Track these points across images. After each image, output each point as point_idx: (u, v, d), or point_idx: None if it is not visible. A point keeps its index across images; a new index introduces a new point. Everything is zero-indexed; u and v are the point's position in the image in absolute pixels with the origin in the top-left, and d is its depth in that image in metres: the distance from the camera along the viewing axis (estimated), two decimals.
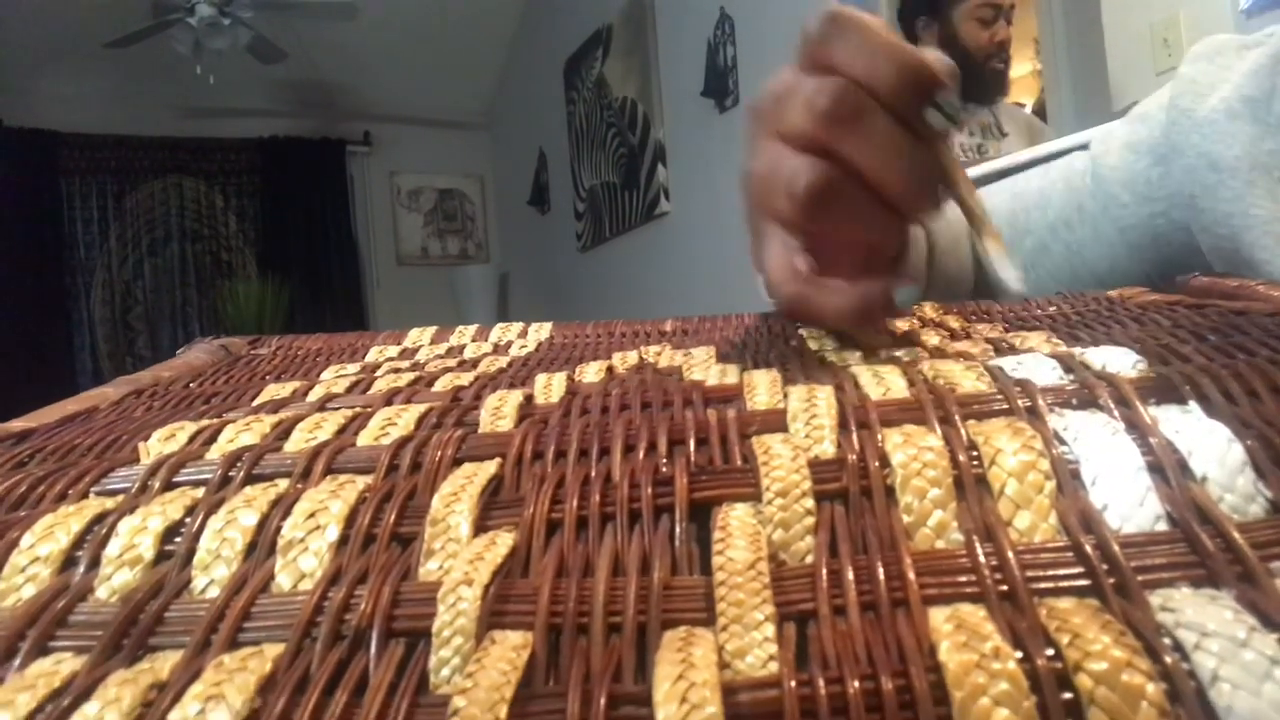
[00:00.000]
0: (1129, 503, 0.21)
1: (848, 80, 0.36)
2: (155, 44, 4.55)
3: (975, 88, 2.36)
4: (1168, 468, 0.21)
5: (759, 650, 0.18)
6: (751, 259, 0.44)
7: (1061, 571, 0.19)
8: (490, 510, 0.23)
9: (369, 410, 0.31)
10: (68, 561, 0.23)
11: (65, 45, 5.04)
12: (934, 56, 0.37)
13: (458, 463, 0.26)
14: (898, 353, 0.36)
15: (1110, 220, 0.64)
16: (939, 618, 0.18)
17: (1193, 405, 0.24)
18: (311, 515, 0.23)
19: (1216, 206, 0.57)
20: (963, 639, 0.17)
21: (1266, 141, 0.55)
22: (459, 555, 0.21)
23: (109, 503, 0.25)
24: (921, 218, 0.40)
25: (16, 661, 0.20)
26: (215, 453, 0.28)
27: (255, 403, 0.36)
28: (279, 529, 0.23)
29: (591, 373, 0.37)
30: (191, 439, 0.29)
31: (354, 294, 6.37)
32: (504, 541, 0.22)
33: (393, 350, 0.51)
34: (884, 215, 0.38)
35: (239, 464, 0.26)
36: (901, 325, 0.44)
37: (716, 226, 3.54)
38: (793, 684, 0.17)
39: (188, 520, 0.24)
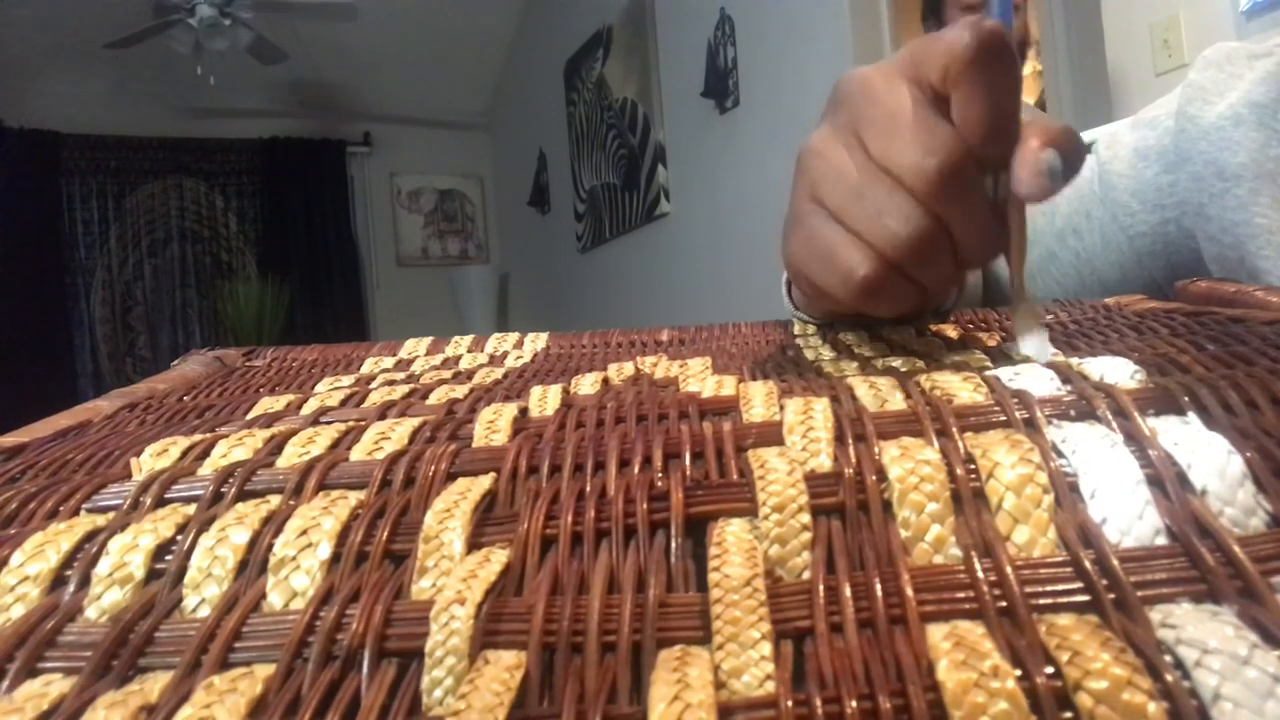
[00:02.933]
0: (1128, 516, 0.20)
1: (965, 150, 0.35)
2: (155, 44, 4.55)
3: None
4: (1167, 480, 0.21)
5: (755, 669, 0.18)
6: (784, 244, 0.43)
7: (1060, 587, 0.19)
8: (484, 526, 0.23)
9: (363, 424, 0.31)
10: (57, 580, 0.23)
11: (65, 45, 5.04)
12: (1043, 133, 0.35)
13: (451, 478, 0.25)
14: (894, 363, 0.36)
15: (1120, 228, 0.64)
16: (937, 635, 0.18)
17: (1192, 417, 0.24)
18: (304, 533, 0.23)
19: (1223, 215, 0.56)
20: (961, 657, 0.17)
21: (1273, 148, 0.55)
22: (452, 573, 0.21)
23: (100, 520, 0.25)
24: (977, 267, 0.40)
25: (5, 683, 0.20)
26: (208, 468, 0.28)
27: (249, 416, 0.36)
28: (271, 547, 0.23)
29: (587, 384, 0.37)
30: (184, 454, 0.29)
31: (354, 295, 6.37)
32: (498, 559, 0.22)
33: (388, 361, 0.51)
34: (951, 266, 0.38)
35: (231, 480, 0.26)
36: (949, 332, 0.44)
37: (716, 227, 3.54)
38: (789, 704, 0.17)
39: (179, 538, 0.23)
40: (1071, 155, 0.35)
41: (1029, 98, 3.09)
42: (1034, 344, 0.36)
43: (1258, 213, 0.54)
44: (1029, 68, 3.06)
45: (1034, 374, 0.28)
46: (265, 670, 0.19)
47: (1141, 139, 0.64)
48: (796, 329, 0.50)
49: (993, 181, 0.38)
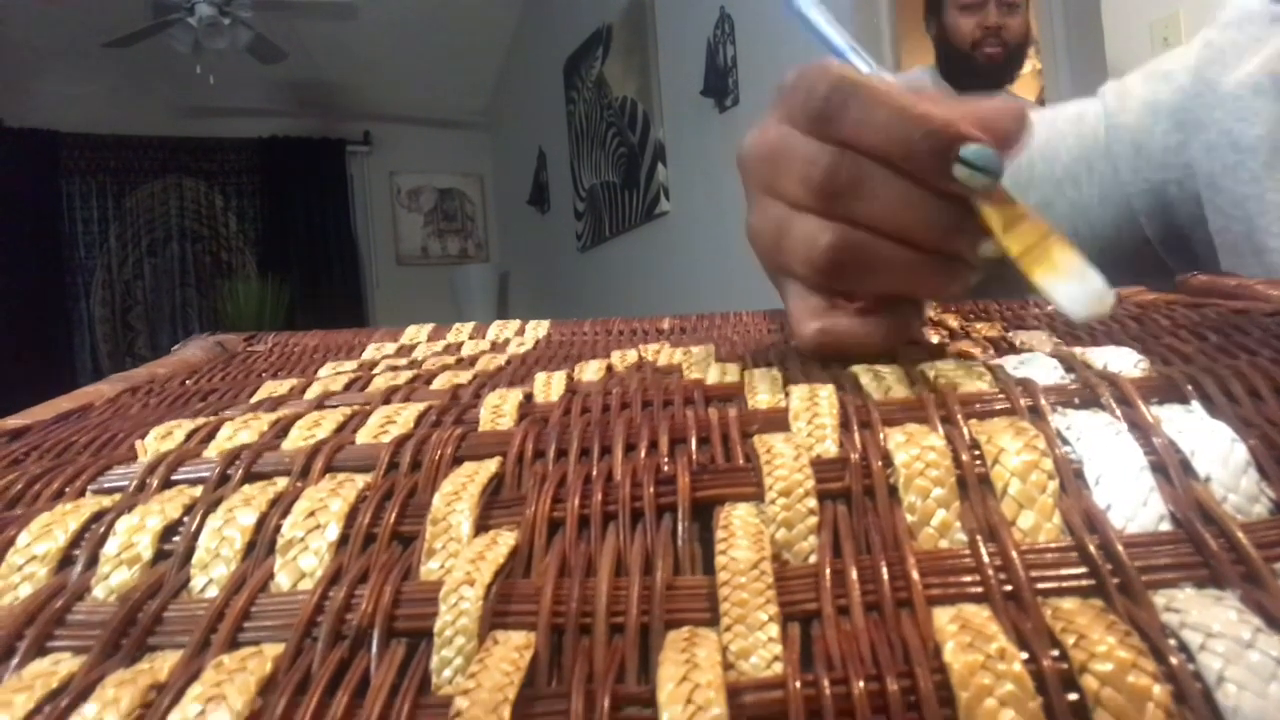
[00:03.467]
0: (1132, 503, 0.20)
1: (838, 148, 0.33)
2: (155, 44, 4.55)
3: (966, 77, 2.32)
4: (1171, 468, 0.21)
5: (763, 651, 0.18)
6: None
7: (1066, 572, 0.19)
8: (491, 509, 0.23)
9: (368, 408, 0.31)
10: (65, 560, 0.23)
11: (65, 45, 5.04)
12: (982, 109, 0.33)
13: (458, 461, 0.26)
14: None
15: (1120, 183, 0.63)
16: (943, 618, 0.18)
17: (1195, 405, 0.24)
18: (311, 514, 0.23)
19: (1235, 188, 0.55)
20: (968, 639, 0.17)
21: None
22: (460, 555, 0.21)
23: (106, 501, 0.25)
24: (966, 263, 0.35)
25: (14, 661, 0.20)
26: (213, 451, 0.28)
27: (253, 400, 0.36)
28: (278, 528, 0.23)
29: (591, 371, 0.37)
30: (189, 437, 0.29)
31: (354, 294, 6.37)
32: (505, 541, 0.22)
33: (390, 348, 0.51)
34: (929, 264, 0.34)
35: (237, 462, 0.26)
36: (951, 322, 0.43)
37: (716, 226, 3.53)
38: (797, 684, 0.17)
39: (186, 519, 0.24)
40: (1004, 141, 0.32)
41: (1029, 97, 3.09)
42: (1073, 291, 0.30)
43: (1271, 188, 0.53)
44: (1029, 66, 3.05)
45: (1038, 363, 0.29)
46: (274, 650, 0.19)
47: (1153, 92, 0.62)
48: None
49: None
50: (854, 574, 0.20)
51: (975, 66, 2.32)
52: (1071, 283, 0.30)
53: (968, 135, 0.31)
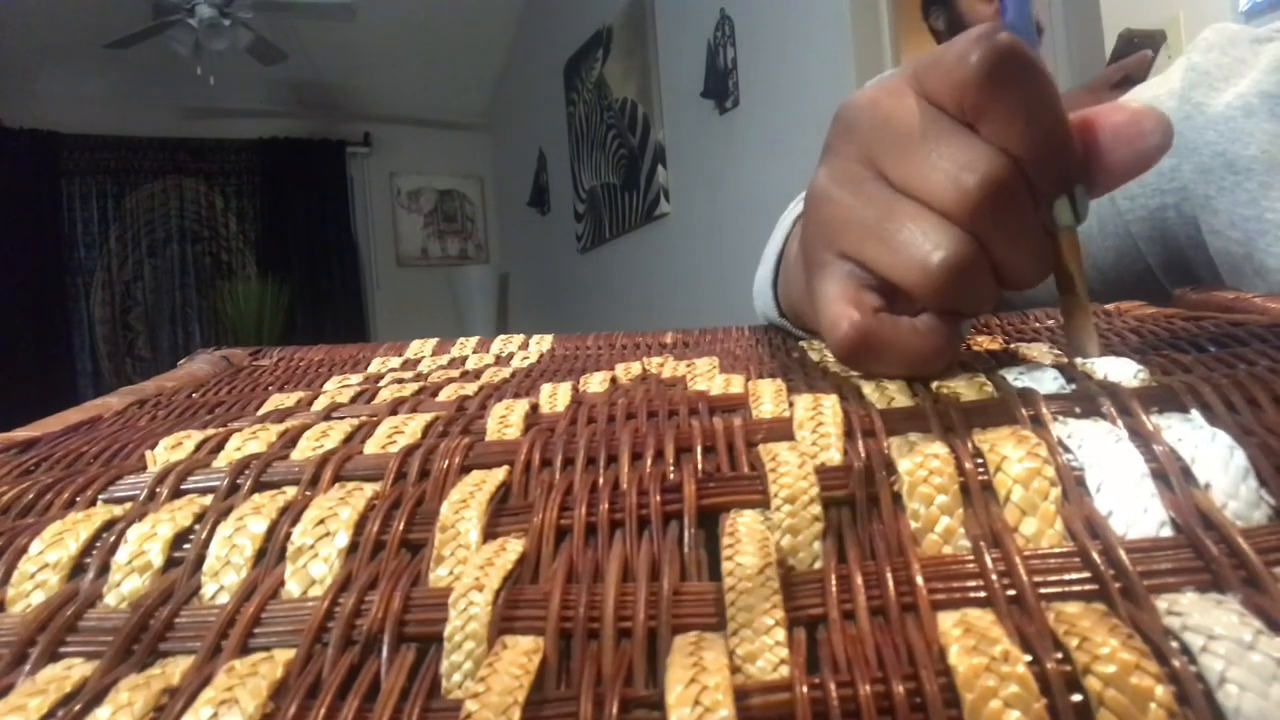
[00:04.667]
0: (1134, 509, 0.21)
1: (1010, 160, 0.30)
2: (155, 45, 4.55)
3: None
4: (1171, 475, 0.21)
5: (770, 654, 0.18)
6: (782, 290, 0.40)
7: (1068, 576, 0.19)
8: (499, 517, 0.23)
9: (375, 419, 0.31)
10: (77, 568, 0.23)
11: (65, 45, 5.04)
12: (1111, 134, 0.31)
13: (466, 470, 0.26)
14: None
15: (1117, 212, 0.62)
16: (948, 622, 0.18)
17: (1195, 413, 0.24)
18: (321, 522, 0.23)
19: (1232, 209, 0.55)
20: (972, 643, 0.17)
21: None
22: (469, 561, 0.21)
23: (117, 510, 0.25)
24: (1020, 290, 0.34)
25: (27, 667, 0.20)
26: (223, 460, 0.28)
27: (260, 412, 0.36)
28: (288, 535, 0.23)
29: (596, 383, 0.37)
30: (198, 447, 0.30)
31: (354, 295, 6.37)
32: (513, 548, 0.22)
33: (395, 361, 0.51)
34: (990, 293, 0.32)
35: (247, 471, 0.27)
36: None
37: (716, 228, 3.54)
38: (804, 688, 0.17)
39: (197, 527, 0.24)
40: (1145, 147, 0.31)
41: None
42: (1091, 349, 0.32)
43: (1268, 208, 0.53)
44: None
45: (1039, 373, 0.29)
46: (285, 655, 0.20)
47: None
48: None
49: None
50: (859, 579, 0.20)
51: None
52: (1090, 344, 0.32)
53: (1086, 169, 0.31)
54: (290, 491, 0.26)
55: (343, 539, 0.23)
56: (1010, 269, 0.31)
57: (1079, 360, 0.31)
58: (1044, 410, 0.25)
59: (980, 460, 0.23)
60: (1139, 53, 1.96)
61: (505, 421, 0.30)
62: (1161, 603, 0.18)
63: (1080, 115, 0.31)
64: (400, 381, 0.42)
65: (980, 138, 0.30)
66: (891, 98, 0.32)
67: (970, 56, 0.29)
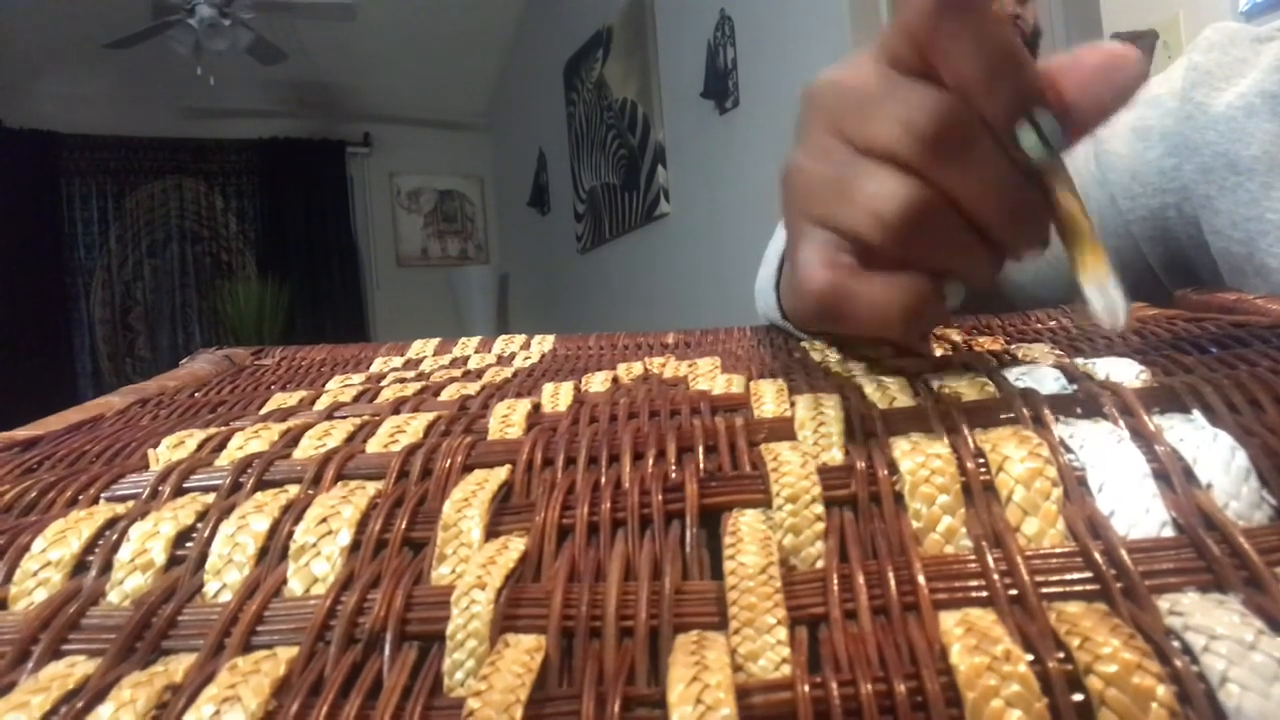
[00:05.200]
0: (1135, 509, 0.21)
1: (956, 97, 0.30)
2: (155, 45, 4.55)
3: None
4: (1173, 475, 0.22)
5: (771, 653, 0.18)
6: (784, 287, 0.39)
7: (1070, 576, 0.19)
8: (501, 516, 0.23)
9: (377, 418, 0.31)
10: (79, 566, 0.23)
11: (65, 45, 5.04)
12: (1079, 72, 0.30)
13: (468, 469, 0.26)
14: (902, 364, 0.35)
15: (1118, 211, 0.62)
16: (949, 621, 0.18)
17: (1196, 414, 0.24)
18: (323, 520, 0.23)
19: (1234, 209, 0.54)
20: (974, 642, 0.17)
21: None
22: (471, 560, 0.22)
23: (120, 508, 0.25)
24: (1023, 255, 0.34)
25: (30, 665, 0.20)
26: (225, 459, 0.28)
27: (262, 411, 0.36)
28: (291, 534, 0.23)
29: (597, 383, 0.37)
30: (201, 446, 0.30)
31: (354, 295, 6.37)
32: (516, 546, 0.22)
33: (397, 361, 0.51)
34: (980, 248, 0.32)
35: (249, 470, 0.27)
36: (954, 336, 0.41)
37: (716, 228, 3.54)
38: (806, 687, 0.17)
39: (199, 525, 0.24)
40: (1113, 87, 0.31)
41: None
42: (1107, 303, 0.30)
43: (1270, 208, 0.53)
44: None
45: (1041, 374, 0.29)
46: (288, 653, 0.20)
47: (1140, 118, 0.62)
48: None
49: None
50: (860, 578, 0.20)
51: None
52: (1103, 292, 0.31)
53: (1048, 100, 0.30)
54: (293, 490, 0.26)
55: (345, 537, 0.23)
56: (984, 217, 0.31)
57: (1080, 362, 0.31)
58: (1046, 410, 0.25)
59: (982, 460, 0.23)
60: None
61: (507, 421, 0.30)
62: (1163, 603, 0.18)
63: (1056, 59, 0.31)
64: (402, 381, 0.42)
65: (929, 84, 0.31)
66: (851, 69, 0.33)
67: (911, 8, 0.30)
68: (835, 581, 0.20)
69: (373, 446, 0.28)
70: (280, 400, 0.38)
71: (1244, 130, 0.54)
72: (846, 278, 0.32)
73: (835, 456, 0.24)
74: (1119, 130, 0.62)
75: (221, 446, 0.29)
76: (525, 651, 0.19)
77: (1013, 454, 0.23)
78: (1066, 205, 0.32)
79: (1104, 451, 0.22)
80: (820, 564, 0.21)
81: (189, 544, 0.23)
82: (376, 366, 0.50)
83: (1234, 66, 0.57)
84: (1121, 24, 2.42)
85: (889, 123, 0.31)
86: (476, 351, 0.54)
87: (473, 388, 0.38)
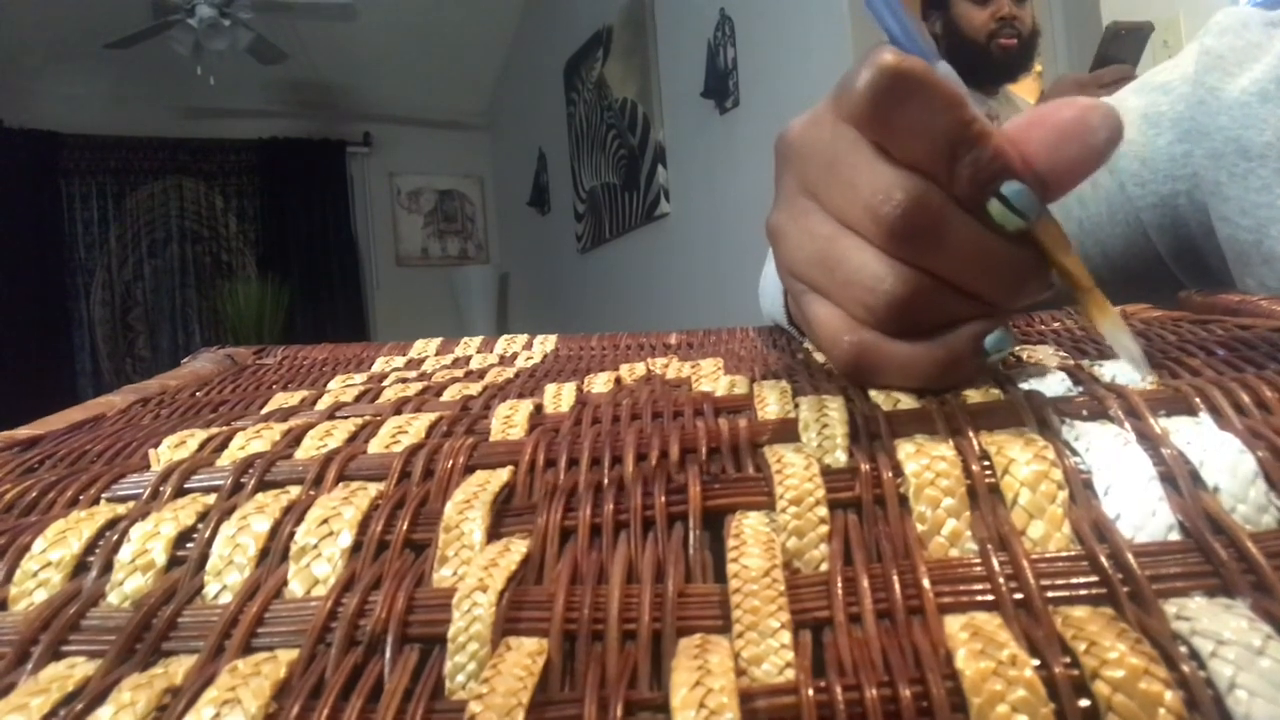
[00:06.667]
0: (1141, 512, 0.21)
1: (923, 182, 0.29)
2: (155, 45, 4.55)
3: (980, 73, 2.27)
4: (1179, 478, 0.21)
5: (775, 657, 0.18)
6: (791, 314, 0.38)
7: (1076, 580, 0.19)
8: (503, 517, 0.23)
9: (379, 419, 0.31)
10: (79, 567, 0.23)
11: (65, 45, 5.04)
12: (1044, 134, 0.29)
13: (470, 470, 0.26)
14: None
15: (1127, 198, 0.62)
16: (955, 625, 0.18)
17: (1203, 416, 0.24)
18: (324, 521, 0.23)
19: (1244, 196, 0.54)
20: (979, 646, 0.17)
21: None
22: (473, 562, 0.21)
23: (120, 509, 0.25)
24: (1027, 305, 0.32)
25: (29, 666, 0.20)
26: (226, 460, 0.28)
27: (264, 411, 0.36)
28: (292, 535, 0.23)
29: (600, 383, 0.37)
30: (202, 446, 0.30)
31: (354, 295, 6.37)
32: (518, 548, 0.22)
33: (399, 361, 0.51)
34: (982, 309, 0.31)
35: (250, 471, 0.26)
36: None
37: (716, 228, 3.54)
38: (810, 691, 0.17)
39: (200, 526, 0.24)
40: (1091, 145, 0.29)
41: (1029, 97, 3.08)
42: (1130, 352, 0.30)
43: None
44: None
45: (1046, 376, 0.29)
46: (288, 655, 0.19)
47: (1151, 104, 0.61)
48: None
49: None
50: (865, 582, 0.20)
51: (990, 59, 2.26)
52: (1121, 343, 0.30)
53: (1012, 170, 0.28)
54: (294, 491, 0.26)
55: (346, 539, 0.23)
56: (975, 285, 0.30)
57: (1085, 364, 0.30)
58: (1051, 413, 0.25)
59: (987, 463, 0.23)
60: (1120, 68, 1.94)
61: (509, 422, 0.30)
62: (1170, 607, 0.18)
63: (1026, 115, 0.30)
64: (404, 381, 0.42)
65: (892, 162, 0.29)
66: (814, 127, 0.32)
67: (855, 86, 0.29)
68: (839, 585, 0.20)
69: (374, 447, 0.28)
70: (282, 400, 0.38)
71: (1257, 116, 0.54)
72: (871, 342, 0.31)
73: (839, 459, 0.24)
74: (1129, 117, 0.62)
75: (223, 446, 0.29)
76: (527, 654, 0.19)
77: (1018, 457, 0.22)
78: (1061, 264, 0.30)
79: (1110, 454, 0.22)
80: (824, 567, 0.21)
81: (190, 545, 0.23)
82: (378, 366, 0.50)
83: (1247, 51, 0.56)
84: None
85: (858, 208, 0.30)
86: (478, 352, 0.54)
87: (475, 388, 0.38)
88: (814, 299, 0.33)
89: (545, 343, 0.54)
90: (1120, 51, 1.97)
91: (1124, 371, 0.29)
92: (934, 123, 0.28)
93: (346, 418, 0.32)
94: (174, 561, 0.23)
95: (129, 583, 0.22)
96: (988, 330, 0.30)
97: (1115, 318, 0.30)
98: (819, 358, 0.41)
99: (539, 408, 0.32)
